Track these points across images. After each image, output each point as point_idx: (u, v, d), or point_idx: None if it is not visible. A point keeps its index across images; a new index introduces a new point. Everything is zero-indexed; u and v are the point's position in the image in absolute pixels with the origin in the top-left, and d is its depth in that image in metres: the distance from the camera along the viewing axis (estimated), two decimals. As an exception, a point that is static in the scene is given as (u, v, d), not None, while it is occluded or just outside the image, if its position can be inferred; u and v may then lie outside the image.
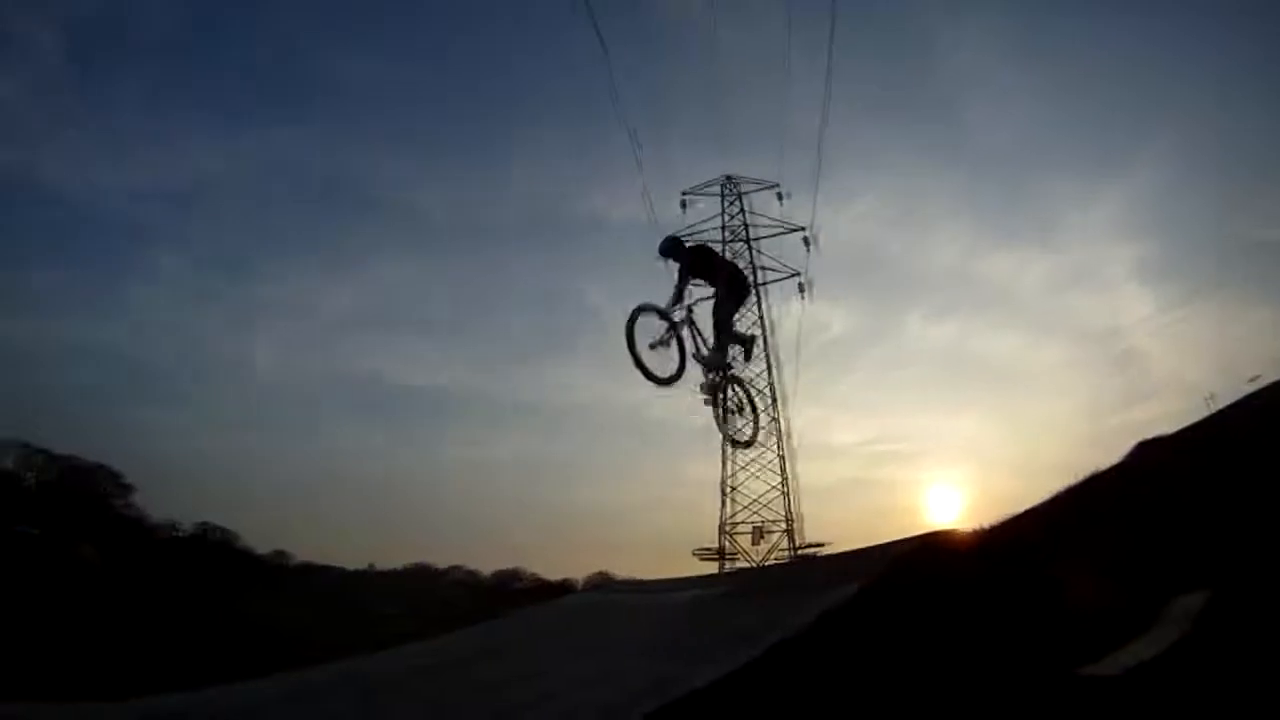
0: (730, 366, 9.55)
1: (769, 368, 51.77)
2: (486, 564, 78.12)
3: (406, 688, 7.50)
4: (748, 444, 10.02)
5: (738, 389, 9.73)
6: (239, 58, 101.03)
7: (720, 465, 51.08)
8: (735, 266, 10.03)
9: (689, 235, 53.80)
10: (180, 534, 68.94)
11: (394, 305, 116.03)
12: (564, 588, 54.09)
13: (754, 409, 9.88)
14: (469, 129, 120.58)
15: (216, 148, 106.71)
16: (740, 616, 6.68)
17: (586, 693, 5.64)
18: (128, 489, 67.03)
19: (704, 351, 9.18)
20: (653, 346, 8.66)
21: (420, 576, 74.08)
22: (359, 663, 7.96)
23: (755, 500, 49.56)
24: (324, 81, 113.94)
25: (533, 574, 72.49)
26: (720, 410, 9.46)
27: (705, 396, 9.39)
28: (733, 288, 9.58)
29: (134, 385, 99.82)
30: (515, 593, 59.10)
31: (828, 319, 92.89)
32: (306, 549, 75.21)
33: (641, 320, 8.65)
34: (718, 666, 4.42)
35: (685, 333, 9.00)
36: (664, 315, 8.82)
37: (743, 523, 49.64)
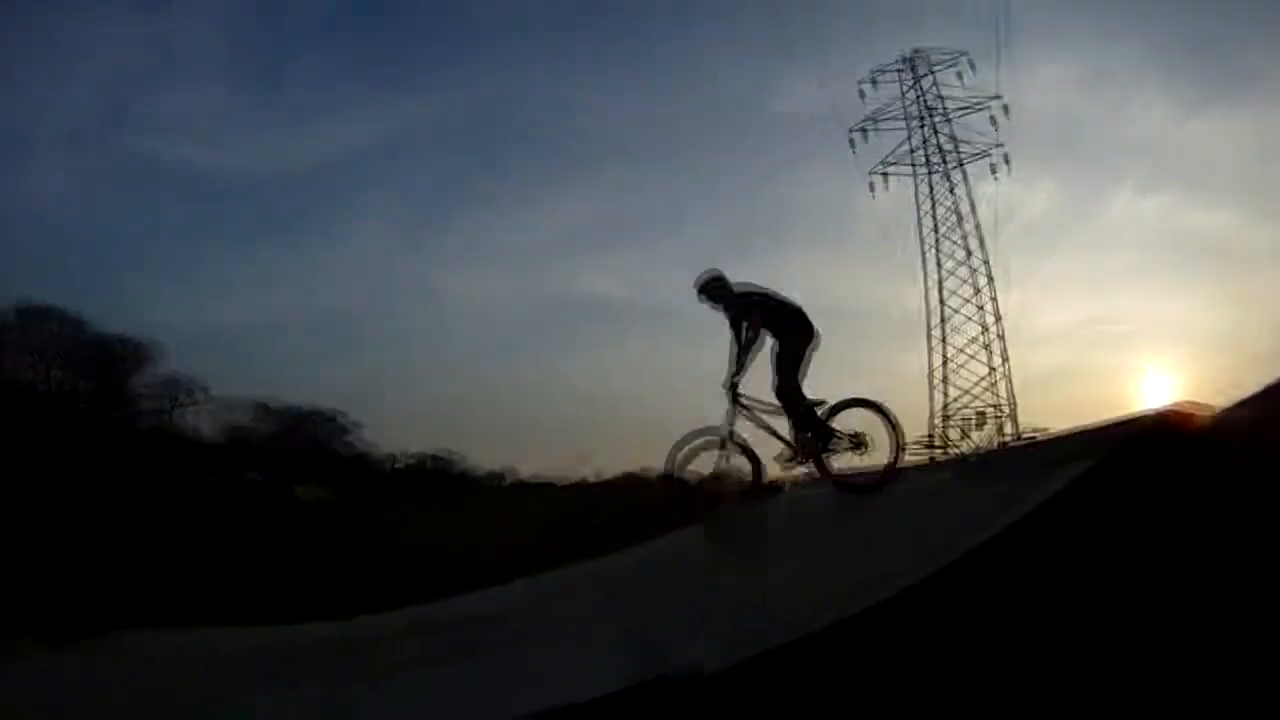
0: (821, 421, 7.54)
1: (970, 251, 50.07)
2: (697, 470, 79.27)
3: (637, 587, 7.30)
4: (880, 483, 7.69)
5: (840, 425, 7.69)
6: (393, 21, 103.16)
7: (928, 353, 50.25)
8: (789, 306, 7.82)
9: (873, 123, 51.93)
10: (400, 465, 74.96)
11: (589, 225, 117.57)
12: (773, 488, 54.39)
13: (893, 426, 7.74)
14: (638, 42, 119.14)
15: (391, 109, 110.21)
16: (969, 501, 6.08)
17: (809, 586, 5.28)
18: (349, 429, 73.57)
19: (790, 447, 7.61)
20: (717, 479, 7.37)
21: (631, 486, 76.13)
22: (588, 567, 7.52)
23: (965, 393, 48.72)
24: (486, 25, 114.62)
25: (739, 477, 73.27)
26: (820, 460, 7.61)
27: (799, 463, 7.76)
28: (782, 337, 7.58)
29: (357, 336, 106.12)
30: (725, 495, 59.96)
31: (1027, 197, 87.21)
32: (528, 468, 78.48)
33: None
34: (952, 551, 4.00)
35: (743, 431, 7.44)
36: (708, 434, 7.49)
37: (955, 413, 48.83)
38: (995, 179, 51.00)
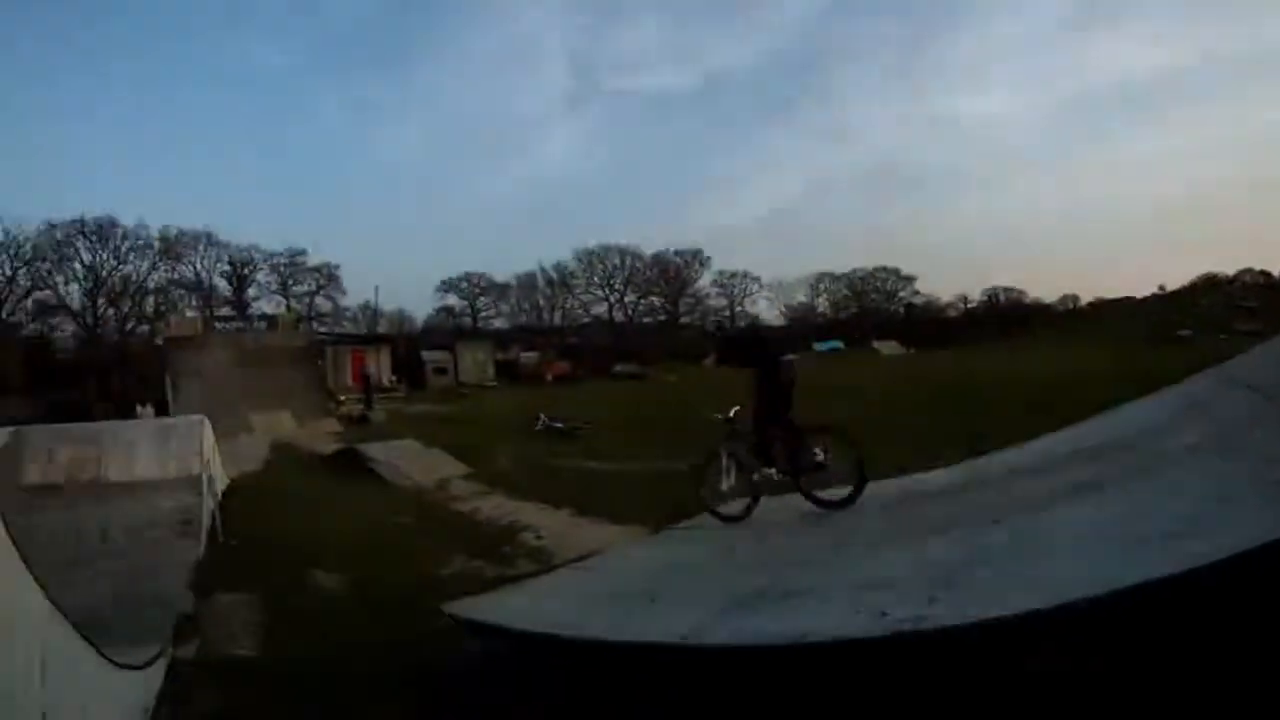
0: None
1: None
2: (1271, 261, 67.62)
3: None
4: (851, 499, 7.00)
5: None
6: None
7: None
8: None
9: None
10: (971, 304, 74.92)
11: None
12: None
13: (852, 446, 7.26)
14: None
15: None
16: None
17: None
18: (910, 280, 75.01)
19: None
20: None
21: (1207, 288, 70.84)
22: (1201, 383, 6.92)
23: None
24: None
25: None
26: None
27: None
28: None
29: (892, 190, 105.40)
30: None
31: None
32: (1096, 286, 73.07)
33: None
34: None
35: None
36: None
37: None
38: None
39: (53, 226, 55.14)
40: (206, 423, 12.54)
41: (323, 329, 58.55)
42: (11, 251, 54.34)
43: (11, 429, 12.35)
